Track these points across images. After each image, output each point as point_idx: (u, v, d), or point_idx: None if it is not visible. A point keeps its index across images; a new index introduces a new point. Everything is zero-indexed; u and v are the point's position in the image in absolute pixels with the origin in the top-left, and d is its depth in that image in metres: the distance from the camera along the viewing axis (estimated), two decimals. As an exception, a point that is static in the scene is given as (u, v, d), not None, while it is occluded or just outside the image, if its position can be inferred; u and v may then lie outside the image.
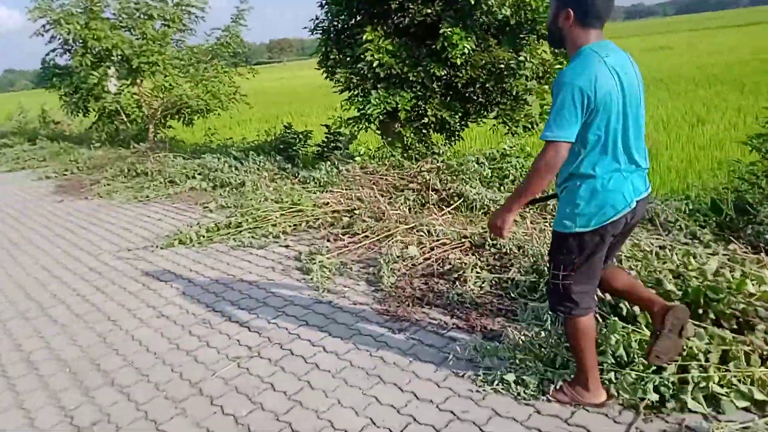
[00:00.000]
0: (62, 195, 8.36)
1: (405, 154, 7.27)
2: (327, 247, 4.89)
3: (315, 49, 7.87)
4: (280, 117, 18.84)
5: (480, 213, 5.38)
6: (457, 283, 3.87)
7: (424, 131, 7.47)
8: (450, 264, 4.19)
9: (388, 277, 4.05)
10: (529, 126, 7.17)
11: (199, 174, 8.18)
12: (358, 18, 7.24)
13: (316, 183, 7.12)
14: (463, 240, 4.54)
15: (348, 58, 7.27)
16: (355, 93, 7.46)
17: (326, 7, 7.56)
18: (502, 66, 6.54)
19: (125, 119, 12.88)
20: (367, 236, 5.02)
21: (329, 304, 3.85)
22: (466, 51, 6.35)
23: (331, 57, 7.80)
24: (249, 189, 7.16)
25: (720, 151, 8.79)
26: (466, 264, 4.04)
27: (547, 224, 4.73)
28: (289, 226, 5.56)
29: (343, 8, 7.19)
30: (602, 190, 2.22)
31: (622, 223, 2.29)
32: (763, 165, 4.90)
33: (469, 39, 6.34)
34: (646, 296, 2.51)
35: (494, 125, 7.46)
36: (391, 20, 6.91)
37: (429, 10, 6.56)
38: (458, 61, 6.45)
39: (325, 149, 9.68)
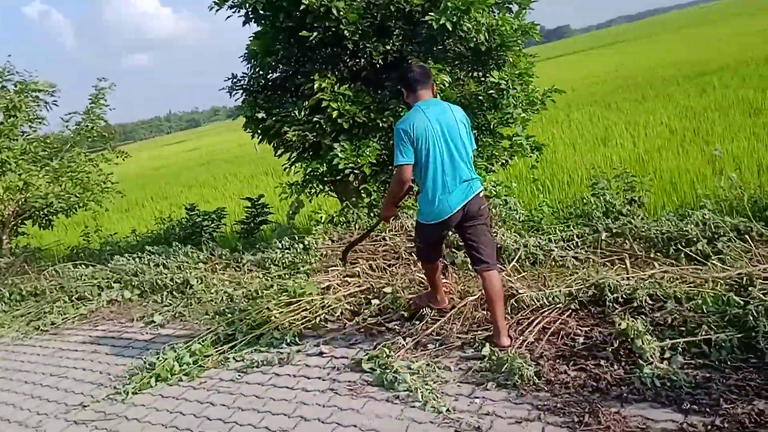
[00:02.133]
0: None
1: (372, 214, 6.24)
2: (389, 343, 3.66)
3: (242, 110, 6.60)
4: (177, 197, 16.99)
5: (526, 263, 4.50)
6: (622, 360, 2.90)
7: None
8: (576, 334, 3.23)
9: (523, 369, 2.95)
10: (507, 159, 6.50)
11: (116, 282, 6.40)
12: (299, 68, 6.17)
13: (279, 266, 5.82)
14: (564, 300, 3.58)
15: (287, 115, 6.11)
16: (306, 153, 6.33)
17: (255, 60, 6.39)
18: (481, 98, 5.84)
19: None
20: (423, 317, 3.88)
21: None
22: (445, 85, 5.57)
23: (259, 116, 6.61)
24: (200, 287, 5.64)
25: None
26: (609, 332, 3.10)
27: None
28: (300, 325, 4.24)
29: (280, 57, 6.09)
30: (433, 200, 3.35)
31: (454, 220, 3.38)
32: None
33: (443, 72, 5.57)
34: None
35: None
36: (343, 64, 5.95)
37: (388, 47, 5.71)
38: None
39: (252, 225, 8.32)
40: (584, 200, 6.32)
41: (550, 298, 3.56)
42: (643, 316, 3.17)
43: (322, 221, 6.38)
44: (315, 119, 5.82)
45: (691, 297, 3.21)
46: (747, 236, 3.97)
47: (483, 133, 6.22)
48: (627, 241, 4.47)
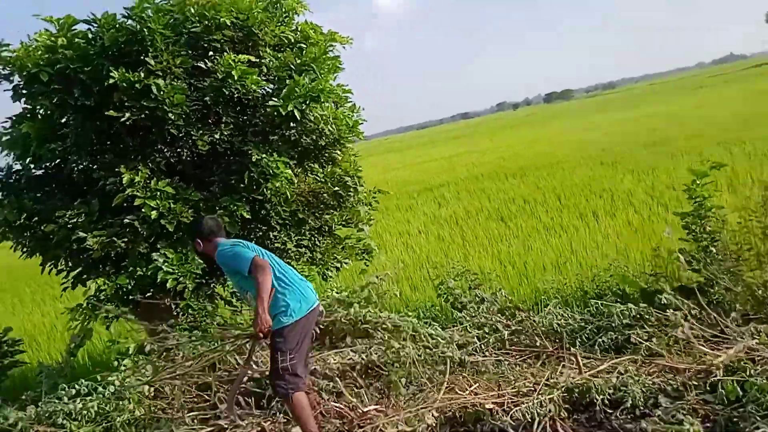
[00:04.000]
0: None
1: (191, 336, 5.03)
2: None
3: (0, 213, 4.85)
4: None
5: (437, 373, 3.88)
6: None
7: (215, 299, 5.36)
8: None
9: None
10: (341, 264, 5.89)
11: None
12: (96, 157, 4.82)
13: (80, 420, 4.18)
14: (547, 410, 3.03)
15: (78, 218, 4.66)
16: (104, 265, 4.86)
17: (22, 148, 4.79)
18: (325, 196, 5.23)
19: None
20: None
21: None
22: (294, 180, 4.86)
23: (24, 222, 4.97)
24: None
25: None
26: None
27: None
28: None
29: (69, 145, 4.66)
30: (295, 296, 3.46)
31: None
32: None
33: (287, 165, 4.87)
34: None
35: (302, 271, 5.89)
36: (159, 154, 4.82)
37: (216, 136, 4.82)
38: (274, 196, 4.88)
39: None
40: (432, 304, 6.06)
41: (533, 408, 2.99)
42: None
43: (131, 353, 4.87)
44: (126, 221, 4.52)
45: (677, 389, 2.98)
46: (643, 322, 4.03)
47: (322, 235, 5.58)
48: (534, 338, 4.20)
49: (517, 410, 2.98)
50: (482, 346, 4.28)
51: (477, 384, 3.61)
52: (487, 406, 3.15)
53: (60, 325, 9.64)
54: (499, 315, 4.58)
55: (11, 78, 4.59)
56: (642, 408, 3.07)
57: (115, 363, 5.01)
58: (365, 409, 3.39)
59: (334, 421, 3.41)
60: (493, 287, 5.66)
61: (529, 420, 2.99)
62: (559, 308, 4.99)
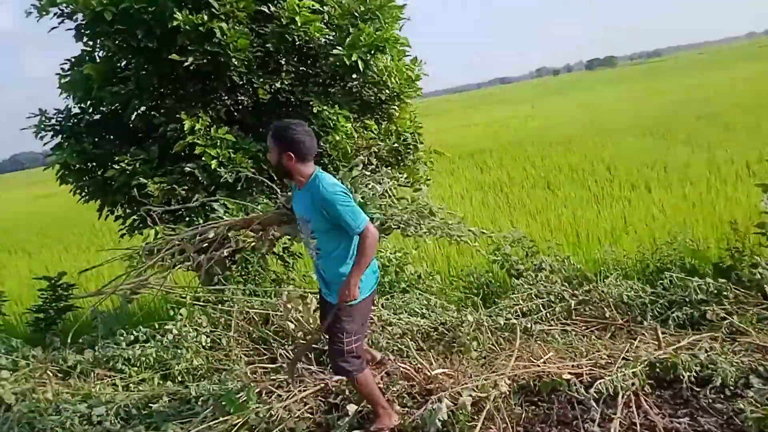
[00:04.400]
0: None
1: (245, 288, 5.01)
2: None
3: (58, 157, 4.81)
4: None
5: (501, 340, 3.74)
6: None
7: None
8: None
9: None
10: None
11: None
12: (158, 103, 4.72)
13: (139, 366, 4.22)
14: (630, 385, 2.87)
15: (139, 163, 4.59)
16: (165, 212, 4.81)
17: (83, 91, 4.70)
18: (384, 152, 5.06)
19: None
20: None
21: None
22: (344, 136, 4.69)
23: (83, 166, 4.92)
24: (24, 408, 3.71)
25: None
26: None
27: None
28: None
29: (133, 88, 4.54)
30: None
31: None
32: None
33: (347, 119, 4.70)
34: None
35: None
36: (220, 102, 4.69)
37: (278, 85, 4.65)
38: (333, 150, 4.73)
39: (50, 314, 6.20)
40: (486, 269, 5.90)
41: (616, 381, 2.83)
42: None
43: (187, 304, 4.85)
44: (187, 168, 4.43)
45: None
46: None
47: (380, 194, 5.42)
48: (603, 309, 4.01)
49: (600, 382, 2.82)
50: (548, 314, 4.11)
51: (550, 353, 3.44)
52: (564, 377, 3.00)
53: (106, 273, 9.79)
54: (566, 284, 4.39)
55: (74, 17, 4.46)
56: (732, 388, 2.88)
57: (171, 312, 5.02)
58: (433, 372, 3.27)
59: (402, 382, 3.30)
60: (551, 255, 5.48)
61: (611, 394, 2.83)
62: (620, 280, 4.80)
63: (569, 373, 3.08)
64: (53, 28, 4.52)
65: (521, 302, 4.25)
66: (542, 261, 4.58)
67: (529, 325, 3.85)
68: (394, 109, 5.40)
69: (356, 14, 4.67)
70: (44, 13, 4.40)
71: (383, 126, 5.44)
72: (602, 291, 4.15)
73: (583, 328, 4.05)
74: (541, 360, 3.28)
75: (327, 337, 3.07)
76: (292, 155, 2.87)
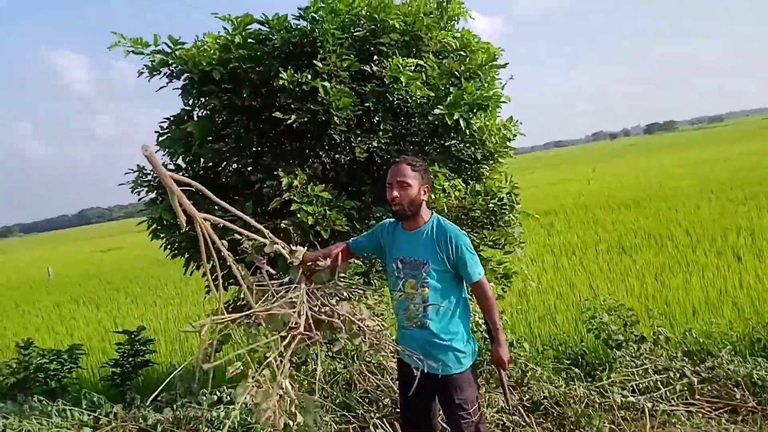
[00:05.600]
0: None
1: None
2: None
3: (151, 212, 4.87)
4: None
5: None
6: None
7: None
8: None
9: None
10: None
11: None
12: (254, 160, 4.75)
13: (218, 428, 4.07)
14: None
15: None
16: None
17: (182, 148, 4.78)
18: (476, 213, 4.90)
19: None
20: None
21: None
22: (450, 193, 4.57)
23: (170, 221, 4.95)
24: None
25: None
26: None
27: None
28: None
29: (233, 146, 4.58)
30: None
31: None
32: None
33: (446, 177, 4.60)
34: None
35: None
36: (316, 159, 4.68)
37: (375, 143, 4.62)
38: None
39: (128, 369, 6.17)
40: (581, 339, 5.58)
41: None
42: None
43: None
44: (282, 225, 4.38)
45: None
46: None
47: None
48: (729, 389, 3.65)
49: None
50: (667, 393, 3.76)
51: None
52: (711, 468, 2.67)
53: (173, 327, 9.84)
54: (685, 358, 4.04)
55: (183, 76, 4.59)
56: None
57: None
58: (555, 454, 2.98)
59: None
60: (653, 325, 5.12)
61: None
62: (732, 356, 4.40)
63: (716, 464, 2.73)
64: (161, 88, 4.66)
65: (636, 378, 3.91)
66: (658, 331, 4.23)
67: (650, 405, 3.51)
68: (485, 168, 5.29)
69: (457, 73, 4.63)
70: (155, 73, 4.55)
71: (470, 186, 5.31)
72: (729, 369, 3.77)
73: (709, 409, 3.67)
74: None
75: (447, 412, 2.81)
76: (428, 190, 2.81)
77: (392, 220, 2.96)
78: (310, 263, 2.87)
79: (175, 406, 4.65)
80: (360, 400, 4.48)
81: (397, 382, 3.06)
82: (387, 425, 3.80)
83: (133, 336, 6.22)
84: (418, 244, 2.73)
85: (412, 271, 2.73)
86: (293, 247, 2.87)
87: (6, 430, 4.23)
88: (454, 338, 2.67)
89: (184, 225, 2.31)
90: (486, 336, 4.71)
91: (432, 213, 2.84)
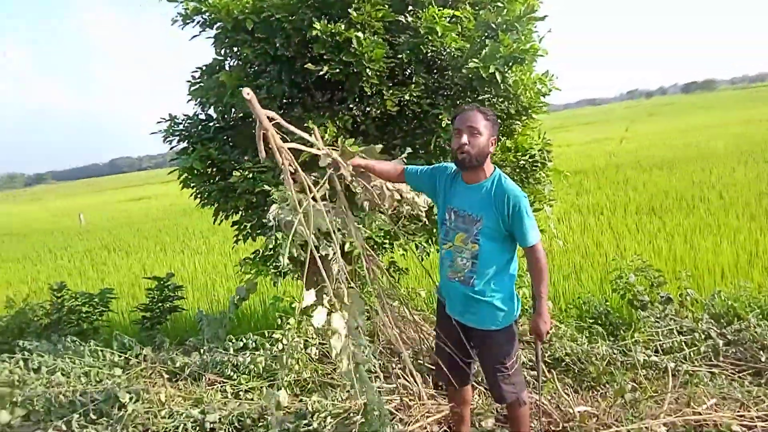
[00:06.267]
0: None
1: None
2: None
3: (184, 162, 4.93)
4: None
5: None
6: None
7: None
8: None
9: None
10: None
11: None
12: (285, 111, 4.76)
13: (248, 374, 4.22)
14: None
15: (261, 171, 4.64)
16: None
17: (214, 98, 4.79)
18: (509, 168, 4.87)
19: None
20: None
21: None
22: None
23: (207, 171, 5.03)
24: (139, 409, 3.76)
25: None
26: None
27: None
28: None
29: (265, 97, 4.58)
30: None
31: None
32: None
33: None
34: None
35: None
36: (347, 112, 4.66)
37: (407, 96, 4.57)
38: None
39: (157, 314, 6.37)
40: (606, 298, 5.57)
41: None
42: None
43: (296, 314, 4.84)
44: (312, 177, 4.41)
45: None
46: None
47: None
48: (755, 352, 3.65)
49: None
50: (691, 354, 3.77)
51: (713, 400, 3.13)
52: (733, 428, 2.69)
53: (201, 276, 10.09)
54: (712, 321, 4.03)
55: (215, 25, 4.57)
56: None
57: (278, 320, 5.01)
58: (577, 410, 3.04)
59: (542, 419, 3.08)
60: (680, 286, 5.09)
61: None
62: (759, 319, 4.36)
63: (739, 424, 2.76)
64: (194, 37, 4.65)
65: (660, 338, 3.93)
66: (686, 292, 4.22)
67: (673, 365, 3.54)
68: (517, 124, 5.21)
69: (493, 25, 4.52)
70: (188, 21, 4.53)
71: (501, 142, 5.25)
72: (756, 332, 3.76)
73: (733, 371, 3.68)
74: (704, 406, 2.96)
75: (484, 364, 2.84)
76: (494, 142, 2.74)
77: (454, 167, 2.84)
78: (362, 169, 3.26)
79: (202, 351, 4.82)
80: (383, 350, 4.58)
81: (434, 331, 3.12)
82: (409, 375, 3.89)
83: (162, 282, 6.41)
84: (475, 200, 2.66)
85: (464, 225, 2.68)
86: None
87: (41, 367, 4.44)
88: (496, 296, 2.66)
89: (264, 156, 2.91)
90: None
91: (495, 168, 2.75)
